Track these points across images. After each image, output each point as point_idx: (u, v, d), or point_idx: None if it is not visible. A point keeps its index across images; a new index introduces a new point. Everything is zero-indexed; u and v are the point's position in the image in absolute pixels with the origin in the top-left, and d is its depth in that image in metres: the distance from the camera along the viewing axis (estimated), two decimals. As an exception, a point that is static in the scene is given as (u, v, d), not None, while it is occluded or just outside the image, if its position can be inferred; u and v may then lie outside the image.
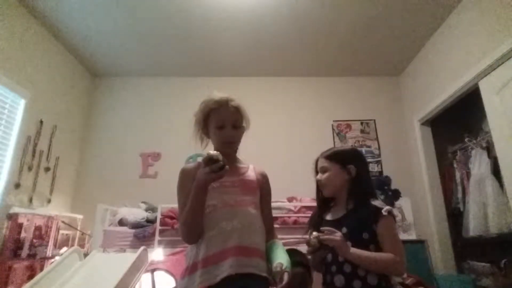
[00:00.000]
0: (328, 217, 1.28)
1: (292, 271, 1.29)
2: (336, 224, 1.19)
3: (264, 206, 1.20)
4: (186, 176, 1.14)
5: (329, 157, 1.30)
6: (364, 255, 1.09)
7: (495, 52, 2.12)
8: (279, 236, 2.17)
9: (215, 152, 1.00)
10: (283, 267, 0.94)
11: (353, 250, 1.10)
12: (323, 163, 1.30)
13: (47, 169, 2.76)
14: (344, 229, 1.16)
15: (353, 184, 1.24)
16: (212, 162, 0.99)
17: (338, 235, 1.11)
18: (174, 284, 2.21)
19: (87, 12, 2.58)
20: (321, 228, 1.15)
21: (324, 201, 1.33)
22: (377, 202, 1.19)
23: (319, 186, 1.31)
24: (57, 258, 2.19)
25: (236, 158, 1.26)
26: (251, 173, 1.21)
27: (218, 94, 1.19)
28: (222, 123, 1.15)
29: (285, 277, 0.92)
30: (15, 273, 2.17)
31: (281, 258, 1.02)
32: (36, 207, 2.58)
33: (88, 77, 3.50)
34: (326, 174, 1.28)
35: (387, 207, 1.16)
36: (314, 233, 1.13)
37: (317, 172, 1.33)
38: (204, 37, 2.92)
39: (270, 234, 1.17)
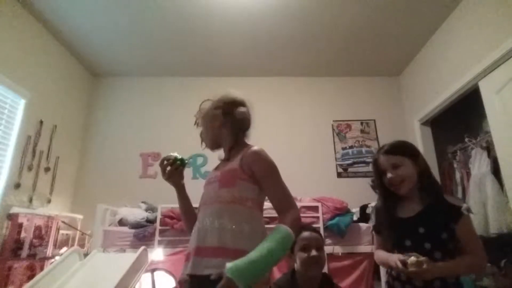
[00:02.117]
0: (401, 214, 1.20)
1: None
2: (412, 222, 1.15)
3: (265, 186, 1.04)
4: None
5: (396, 151, 1.22)
6: (447, 269, 1.06)
7: (495, 52, 2.11)
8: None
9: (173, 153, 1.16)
10: (224, 270, 0.82)
11: (436, 268, 1.04)
12: (392, 159, 1.21)
13: (47, 169, 2.76)
14: (422, 229, 1.12)
15: (425, 178, 1.18)
16: (168, 164, 1.15)
17: (426, 269, 1.00)
18: (174, 284, 2.21)
19: (87, 12, 2.58)
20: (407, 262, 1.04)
21: (392, 200, 1.23)
22: (451, 198, 1.14)
23: (394, 184, 1.20)
24: (57, 258, 2.19)
25: (233, 148, 1.15)
26: (236, 161, 1.07)
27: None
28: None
29: (221, 283, 0.81)
30: (15, 273, 2.17)
31: (241, 258, 0.87)
32: (36, 207, 2.58)
33: (88, 77, 3.50)
34: (401, 169, 1.18)
35: (465, 205, 1.11)
36: (410, 268, 1.02)
37: (379, 173, 1.25)
38: (204, 37, 2.92)
39: (279, 217, 1.01)
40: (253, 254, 0.87)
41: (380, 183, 1.26)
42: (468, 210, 1.10)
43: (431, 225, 1.12)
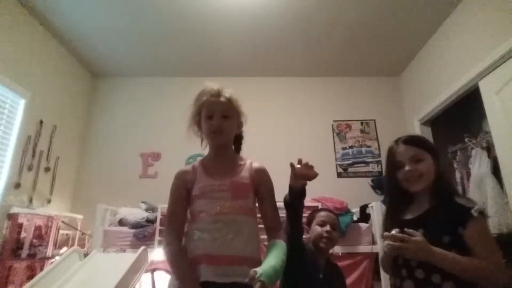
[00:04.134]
0: (407, 216, 1.10)
1: None
2: (413, 223, 1.04)
3: (265, 204, 1.12)
4: (177, 181, 1.16)
5: (419, 143, 1.10)
6: (450, 258, 0.92)
7: (495, 52, 2.12)
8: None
9: None
10: (256, 276, 0.87)
11: (438, 251, 0.93)
12: (413, 150, 1.08)
13: (47, 169, 2.76)
14: (421, 230, 0.99)
15: (440, 178, 1.06)
16: None
17: (417, 238, 0.94)
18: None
19: (87, 12, 2.58)
20: (392, 234, 0.97)
21: (403, 199, 1.13)
22: (463, 200, 1.01)
23: (410, 178, 1.07)
24: (57, 258, 2.19)
25: (231, 155, 1.20)
26: (245, 174, 1.12)
27: (211, 85, 1.16)
28: (211, 112, 1.11)
29: (257, 286, 0.86)
30: (15, 273, 2.17)
31: (263, 265, 0.94)
32: (36, 207, 2.58)
33: (88, 77, 3.50)
34: (422, 164, 1.06)
35: (478, 206, 0.96)
36: (390, 238, 0.96)
37: (393, 164, 1.12)
38: (204, 37, 2.92)
39: (273, 233, 1.09)
40: (275, 263, 0.96)
41: (391, 177, 1.13)
42: (482, 212, 0.95)
43: (431, 227, 1.00)
